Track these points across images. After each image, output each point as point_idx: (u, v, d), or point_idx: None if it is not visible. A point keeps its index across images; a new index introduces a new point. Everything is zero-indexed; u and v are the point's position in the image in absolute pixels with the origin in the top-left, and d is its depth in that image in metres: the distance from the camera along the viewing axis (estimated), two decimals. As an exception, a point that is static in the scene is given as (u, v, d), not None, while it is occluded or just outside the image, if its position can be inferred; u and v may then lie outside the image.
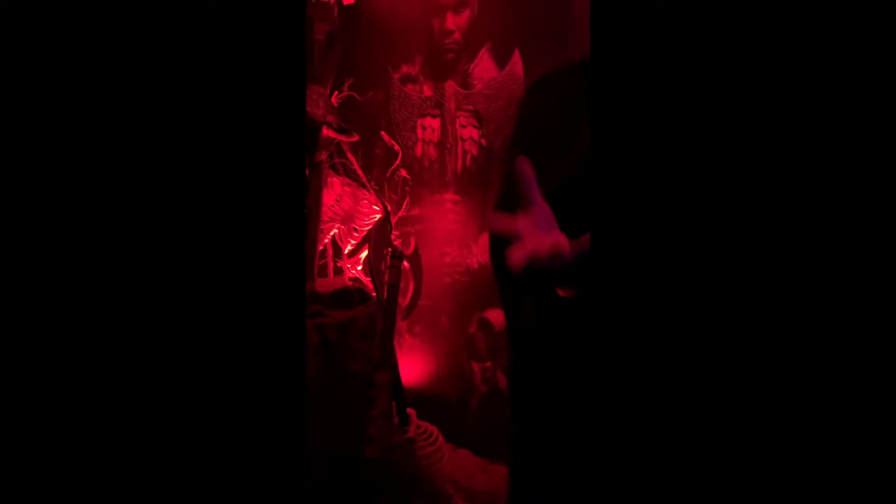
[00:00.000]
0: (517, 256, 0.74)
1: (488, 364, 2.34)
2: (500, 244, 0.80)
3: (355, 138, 2.17)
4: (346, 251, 2.41)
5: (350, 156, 2.28)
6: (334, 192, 2.29)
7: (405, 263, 2.03)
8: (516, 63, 2.47)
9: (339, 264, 2.41)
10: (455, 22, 2.47)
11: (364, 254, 2.39)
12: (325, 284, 2.14)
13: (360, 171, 2.30)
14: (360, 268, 2.43)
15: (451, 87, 2.49)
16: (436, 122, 2.51)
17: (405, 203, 2.41)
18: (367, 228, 2.34)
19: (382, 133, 2.48)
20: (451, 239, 2.42)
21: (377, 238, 2.06)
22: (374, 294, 2.02)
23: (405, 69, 2.55)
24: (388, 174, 2.45)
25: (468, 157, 2.46)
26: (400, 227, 2.37)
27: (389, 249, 1.99)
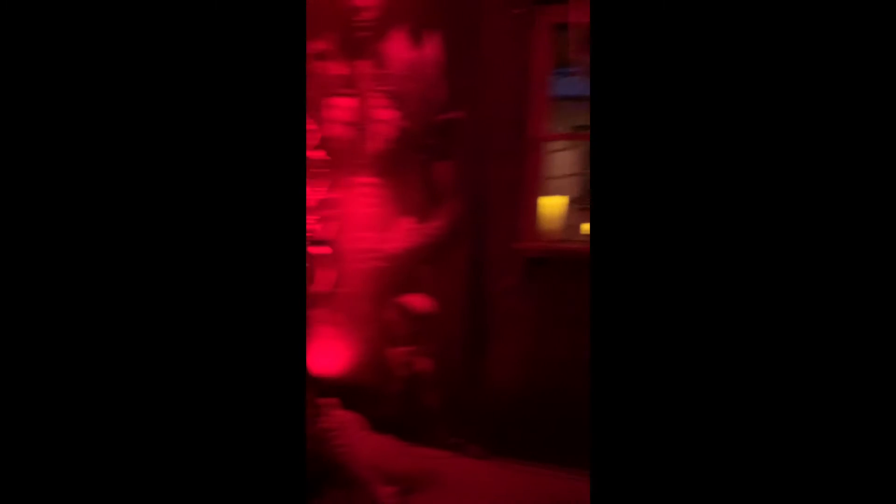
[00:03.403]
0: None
1: (407, 349, 2.33)
2: None
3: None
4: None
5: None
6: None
7: (327, 249, 1.98)
8: (431, 45, 2.44)
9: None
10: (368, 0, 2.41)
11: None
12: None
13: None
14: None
15: (365, 66, 2.43)
16: (350, 102, 2.43)
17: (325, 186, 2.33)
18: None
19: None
20: (368, 223, 2.37)
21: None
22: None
23: (316, 46, 2.45)
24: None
25: (384, 138, 2.42)
26: (318, 212, 2.29)
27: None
